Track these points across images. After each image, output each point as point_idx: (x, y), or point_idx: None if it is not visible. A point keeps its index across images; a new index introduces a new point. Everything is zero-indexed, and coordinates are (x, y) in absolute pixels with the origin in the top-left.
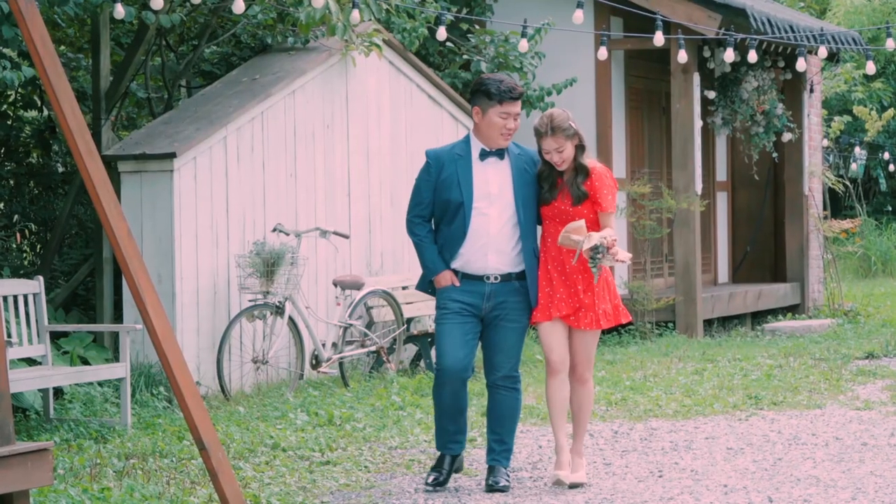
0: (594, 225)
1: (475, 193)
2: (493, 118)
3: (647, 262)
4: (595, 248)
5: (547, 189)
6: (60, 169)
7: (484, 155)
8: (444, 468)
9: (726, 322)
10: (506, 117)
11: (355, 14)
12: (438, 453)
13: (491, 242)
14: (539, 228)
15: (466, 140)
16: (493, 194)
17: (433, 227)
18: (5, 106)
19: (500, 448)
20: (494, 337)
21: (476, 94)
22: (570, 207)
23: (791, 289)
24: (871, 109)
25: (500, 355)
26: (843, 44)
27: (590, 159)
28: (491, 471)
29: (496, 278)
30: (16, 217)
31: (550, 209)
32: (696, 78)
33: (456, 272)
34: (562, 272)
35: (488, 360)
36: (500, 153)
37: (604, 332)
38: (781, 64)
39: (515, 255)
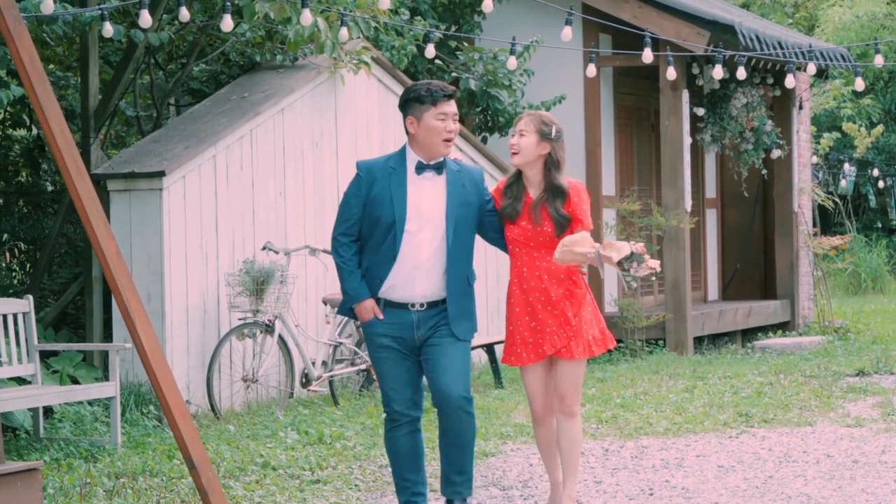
0: None
1: (408, 213)
2: (431, 122)
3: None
4: (629, 258)
5: (509, 201)
6: (49, 188)
7: (420, 168)
8: None
9: (716, 339)
10: (444, 118)
11: (343, 32)
12: None
13: (421, 268)
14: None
15: (402, 152)
16: (425, 213)
17: (359, 247)
18: None
19: (460, 479)
20: (437, 355)
21: (406, 103)
22: (556, 237)
23: (781, 306)
24: (860, 126)
25: (447, 375)
26: (831, 60)
27: (562, 177)
28: None
29: (422, 306)
30: (5, 236)
31: (522, 232)
32: (685, 95)
33: (378, 300)
34: (547, 302)
35: (435, 384)
36: (438, 167)
37: None
38: (770, 80)
39: (444, 282)
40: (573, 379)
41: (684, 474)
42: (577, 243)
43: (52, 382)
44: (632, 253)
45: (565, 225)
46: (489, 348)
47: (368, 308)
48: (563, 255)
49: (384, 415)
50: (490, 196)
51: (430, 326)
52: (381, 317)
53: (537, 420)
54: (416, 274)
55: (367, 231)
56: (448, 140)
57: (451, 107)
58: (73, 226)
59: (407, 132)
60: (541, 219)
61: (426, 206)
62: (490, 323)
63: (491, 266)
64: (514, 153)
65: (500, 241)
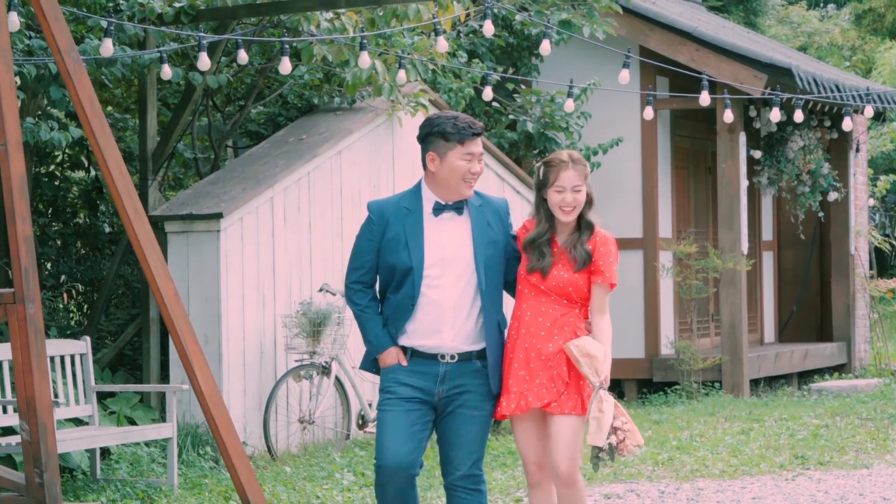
0: (584, 300)
1: (426, 258)
2: (455, 162)
3: (693, 321)
4: (598, 449)
5: (536, 257)
6: (107, 229)
7: (438, 209)
8: None
9: (773, 381)
10: (469, 159)
11: (401, 74)
12: None
13: (446, 316)
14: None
15: (417, 190)
16: (447, 258)
17: (378, 294)
18: (53, 166)
19: None
20: (452, 428)
21: (428, 137)
22: (574, 273)
23: (837, 348)
24: None
25: (460, 451)
26: (889, 103)
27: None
28: None
29: (452, 357)
30: (63, 277)
31: (536, 277)
32: (742, 137)
33: (405, 350)
34: (542, 351)
35: (445, 457)
36: (458, 206)
37: (649, 392)
38: (827, 123)
39: (476, 330)
40: (568, 441)
41: None
42: (595, 359)
43: (109, 423)
44: (610, 445)
45: (587, 261)
46: None
47: (393, 355)
48: (576, 350)
49: (375, 466)
50: (514, 234)
51: (456, 385)
52: (404, 363)
53: (532, 484)
54: (441, 323)
55: (384, 278)
56: (469, 182)
57: (478, 146)
58: (131, 267)
59: (425, 167)
60: (564, 263)
61: (448, 250)
62: None
63: None
64: (569, 211)
65: (512, 285)
